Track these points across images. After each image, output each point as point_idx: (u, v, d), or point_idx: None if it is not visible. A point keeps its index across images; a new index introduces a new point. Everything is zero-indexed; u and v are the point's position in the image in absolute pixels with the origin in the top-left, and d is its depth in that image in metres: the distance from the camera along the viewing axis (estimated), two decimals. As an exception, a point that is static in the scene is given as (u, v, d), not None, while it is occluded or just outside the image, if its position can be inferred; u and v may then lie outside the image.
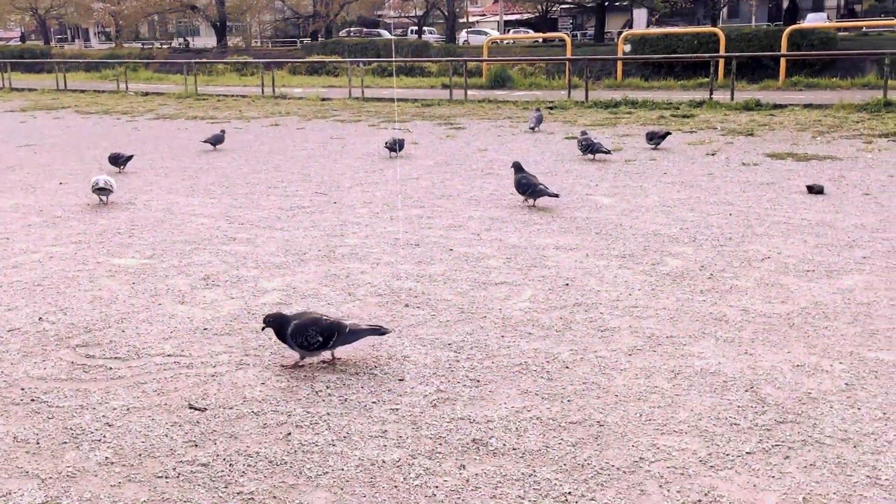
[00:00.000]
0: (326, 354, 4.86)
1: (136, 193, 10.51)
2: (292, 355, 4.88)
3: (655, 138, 12.79)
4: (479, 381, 4.65)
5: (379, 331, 4.86)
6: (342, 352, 4.95)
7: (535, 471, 3.71)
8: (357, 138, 15.55)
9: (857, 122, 15.17)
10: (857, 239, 7.38)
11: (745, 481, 3.60)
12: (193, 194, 10.40)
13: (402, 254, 7.31)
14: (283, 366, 4.83)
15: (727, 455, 3.81)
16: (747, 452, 3.83)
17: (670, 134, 12.96)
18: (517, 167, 9.37)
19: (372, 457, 3.84)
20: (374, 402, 4.40)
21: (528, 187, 9.11)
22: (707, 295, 6.01)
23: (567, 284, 6.32)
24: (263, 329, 4.89)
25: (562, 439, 3.99)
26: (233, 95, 26.78)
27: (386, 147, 13.06)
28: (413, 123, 17.54)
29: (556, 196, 9.05)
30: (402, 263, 6.99)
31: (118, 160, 12.28)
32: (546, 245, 7.48)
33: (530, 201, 9.25)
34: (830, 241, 7.33)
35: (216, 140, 14.49)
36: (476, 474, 3.70)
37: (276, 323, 4.75)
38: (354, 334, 4.78)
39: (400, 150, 13.01)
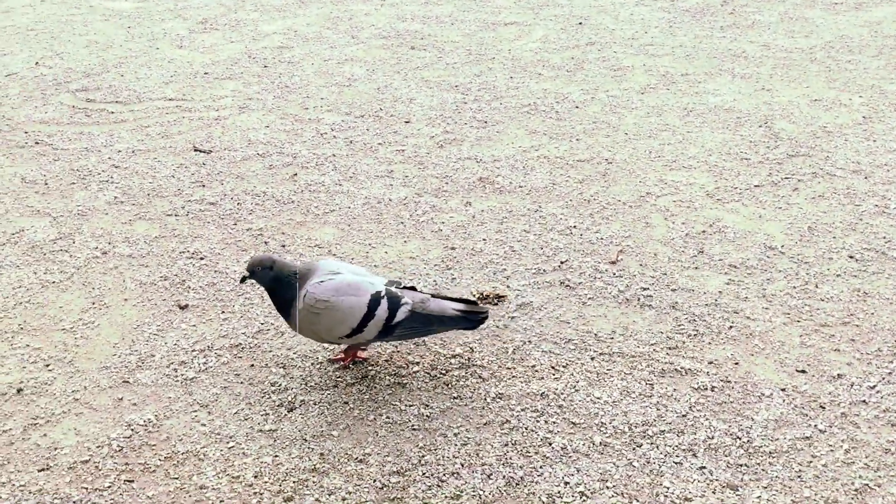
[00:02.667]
0: None
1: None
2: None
3: None
4: (486, 122, 4.56)
5: None
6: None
7: (540, 206, 3.72)
8: None
9: None
10: (893, -30, 6.91)
11: (752, 213, 3.60)
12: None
13: (408, -6, 6.93)
14: None
15: (735, 188, 3.79)
16: (756, 185, 3.80)
17: None
18: None
19: (378, 195, 3.85)
20: (379, 144, 4.35)
21: None
22: (727, 31, 5.73)
23: (580, 23, 6.03)
24: None
25: (569, 177, 3.96)
26: None
27: None
28: None
29: None
30: (407, 4, 6.65)
31: None
32: (560, -17, 7.06)
33: None
34: (863, -26, 6.87)
35: None
36: (482, 210, 3.71)
37: None
38: None
39: None
